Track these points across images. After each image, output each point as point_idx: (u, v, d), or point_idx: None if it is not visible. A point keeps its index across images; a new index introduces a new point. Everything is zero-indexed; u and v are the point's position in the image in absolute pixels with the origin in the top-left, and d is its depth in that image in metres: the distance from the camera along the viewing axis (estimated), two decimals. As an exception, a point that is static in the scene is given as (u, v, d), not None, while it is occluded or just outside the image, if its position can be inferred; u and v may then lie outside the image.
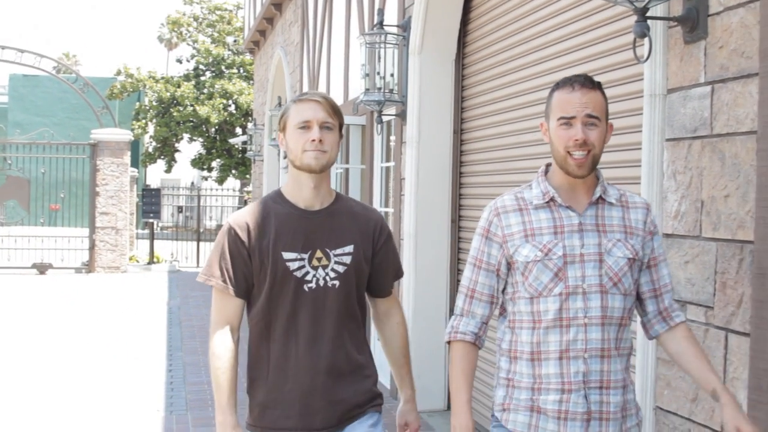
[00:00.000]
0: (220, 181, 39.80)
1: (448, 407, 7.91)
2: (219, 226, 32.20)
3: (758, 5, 3.33)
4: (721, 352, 3.52)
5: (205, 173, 40.94)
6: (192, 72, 39.33)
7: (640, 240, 3.14)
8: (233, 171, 39.15)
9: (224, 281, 3.49)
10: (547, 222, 3.16)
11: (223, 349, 3.50)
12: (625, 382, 3.12)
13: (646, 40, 3.79)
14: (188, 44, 41.78)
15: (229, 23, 40.39)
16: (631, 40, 3.93)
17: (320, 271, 3.49)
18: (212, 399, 3.19)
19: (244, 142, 24.66)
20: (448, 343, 3.28)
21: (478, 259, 3.26)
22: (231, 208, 32.51)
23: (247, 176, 36.83)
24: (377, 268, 3.66)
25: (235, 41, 39.57)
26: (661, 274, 3.19)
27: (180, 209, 34.30)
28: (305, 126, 3.45)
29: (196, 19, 41.30)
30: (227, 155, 38.50)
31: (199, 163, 39.65)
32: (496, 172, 7.15)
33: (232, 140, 32.32)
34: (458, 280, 7.84)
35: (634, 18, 3.67)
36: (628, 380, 3.16)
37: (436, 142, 7.95)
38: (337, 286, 3.49)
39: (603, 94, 3.12)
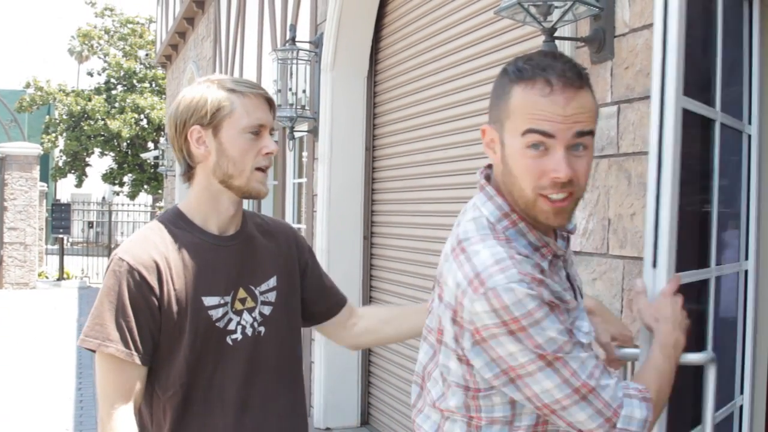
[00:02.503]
0: (132, 196, 39.30)
1: (362, 424, 7.92)
2: (130, 242, 31.82)
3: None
4: (629, 368, 3.56)
5: (117, 188, 40.42)
6: (103, 86, 38.81)
7: None
8: (145, 186, 38.70)
9: (127, 347, 2.49)
10: (561, 284, 2.11)
11: None
12: None
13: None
14: (99, 57, 41.23)
15: (141, 37, 39.96)
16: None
17: (245, 316, 2.63)
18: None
19: (156, 157, 24.46)
20: None
21: (567, 343, 1.96)
22: (143, 224, 32.17)
23: (159, 191, 36.45)
24: (315, 287, 2.89)
25: (147, 55, 39.19)
26: None
27: (91, 224, 33.85)
28: (257, 132, 2.60)
29: (107, 32, 40.77)
30: (139, 170, 38.06)
31: (110, 177, 39.13)
32: (407, 189, 7.17)
33: (144, 155, 32.03)
34: (371, 297, 7.86)
35: (542, 38, 3.71)
36: None
37: (348, 158, 7.96)
38: (263, 333, 2.66)
39: (591, 89, 2.06)
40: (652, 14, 3.46)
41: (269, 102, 2.65)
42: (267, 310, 2.69)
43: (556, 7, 3.60)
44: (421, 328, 2.33)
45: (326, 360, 7.87)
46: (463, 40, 6.13)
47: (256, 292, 2.67)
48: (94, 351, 2.53)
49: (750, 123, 3.06)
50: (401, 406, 7.15)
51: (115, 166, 38.84)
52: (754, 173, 3.05)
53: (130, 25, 40.35)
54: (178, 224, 2.64)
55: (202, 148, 2.61)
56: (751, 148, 3.06)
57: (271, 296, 2.71)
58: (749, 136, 3.06)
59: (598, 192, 3.77)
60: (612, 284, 3.66)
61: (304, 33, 8.78)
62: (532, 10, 3.61)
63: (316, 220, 8.15)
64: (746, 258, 3.06)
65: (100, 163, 40.97)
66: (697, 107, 2.51)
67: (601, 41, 3.76)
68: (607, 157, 3.71)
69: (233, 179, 2.59)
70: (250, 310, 2.65)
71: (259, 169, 2.61)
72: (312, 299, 2.90)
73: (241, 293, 2.64)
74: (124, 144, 37.60)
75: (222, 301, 2.60)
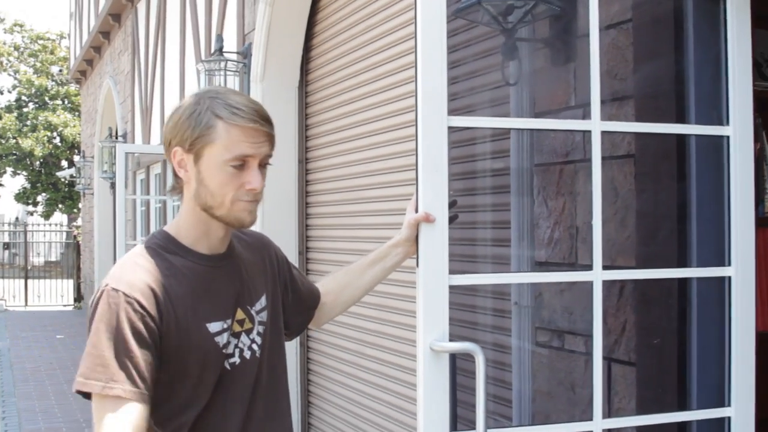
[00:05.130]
0: (47, 215, 38.54)
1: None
2: (48, 263, 31.24)
3: (631, 26, 3.26)
4: (605, 383, 3.41)
5: (31, 208, 39.64)
6: (14, 103, 38.05)
7: None
8: (60, 205, 38.00)
9: (135, 385, 2.25)
10: None
11: None
12: None
13: (514, 62, 3.68)
14: (9, 74, 40.43)
15: (52, 53, 39.27)
16: (492, 64, 3.84)
17: (243, 338, 2.46)
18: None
19: (72, 176, 23.95)
20: None
21: None
22: (59, 244, 31.58)
23: (75, 210, 35.79)
24: (295, 302, 2.81)
25: (60, 71, 38.48)
26: None
27: (6, 246, 33.13)
28: (242, 164, 2.35)
29: (17, 48, 40.02)
30: (53, 189, 37.34)
31: (23, 197, 38.34)
32: (343, 202, 6.99)
33: (59, 173, 31.41)
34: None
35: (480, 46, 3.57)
36: None
37: (281, 172, 7.73)
38: (259, 354, 2.51)
39: None
40: (619, 13, 3.34)
41: (266, 133, 2.38)
42: (261, 329, 2.54)
43: (516, 7, 3.45)
44: (376, 277, 2.94)
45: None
46: (396, 49, 5.98)
47: (252, 312, 2.52)
48: (87, 396, 2.28)
49: (728, 124, 2.94)
50: (341, 423, 6.97)
51: (28, 185, 38.08)
52: (735, 176, 2.93)
53: (40, 41, 39.63)
54: (168, 248, 2.43)
55: (183, 172, 2.42)
56: (730, 150, 2.93)
57: (264, 315, 2.56)
58: (728, 138, 2.94)
59: (564, 199, 3.62)
60: (582, 295, 3.50)
61: (230, 43, 8.57)
62: (492, 10, 3.46)
63: (249, 235, 7.92)
64: (729, 264, 2.93)
65: (12, 182, 40.21)
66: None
67: (563, 42, 3.62)
68: (573, 162, 3.56)
69: (213, 209, 2.39)
70: (248, 332, 2.49)
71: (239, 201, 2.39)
72: (293, 313, 2.82)
73: (239, 314, 2.47)
74: (37, 163, 36.89)
75: (225, 326, 2.42)
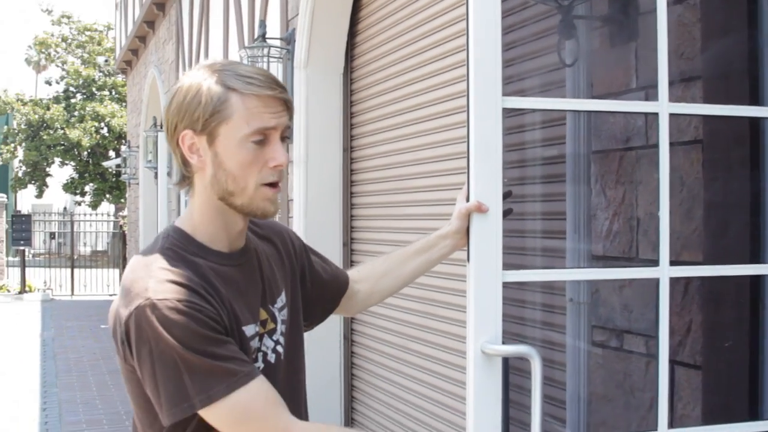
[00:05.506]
0: (94, 205, 38.71)
1: (346, 441, 7.52)
2: (95, 253, 31.36)
3: (699, 1, 3.02)
4: (668, 387, 3.18)
5: (78, 198, 39.85)
6: (62, 94, 38.24)
7: None
8: (107, 195, 38.18)
9: (246, 364, 2.06)
10: None
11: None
12: None
13: (570, 42, 3.44)
14: (57, 66, 40.65)
15: (99, 44, 39.41)
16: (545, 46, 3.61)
17: (266, 340, 2.22)
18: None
19: (119, 166, 23.98)
20: None
21: None
22: (106, 234, 31.68)
23: (122, 200, 35.92)
24: (315, 291, 2.55)
25: (106, 62, 38.58)
26: None
27: (53, 235, 33.31)
28: (263, 139, 2.12)
29: (65, 40, 40.21)
30: (101, 179, 37.51)
31: (71, 187, 38.56)
32: (390, 191, 6.79)
33: (105, 163, 31.53)
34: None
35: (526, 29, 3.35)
36: None
37: (326, 161, 7.57)
38: (282, 357, 2.28)
39: None
40: (685, -13, 3.10)
41: (286, 101, 2.14)
42: (283, 328, 2.31)
43: (574, -17, 3.22)
44: (419, 269, 2.71)
45: (307, 374, 7.47)
46: (444, 33, 5.77)
47: (274, 311, 2.28)
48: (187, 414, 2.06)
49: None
50: (386, 420, 6.78)
51: (76, 175, 38.29)
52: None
53: (87, 33, 39.82)
54: (189, 249, 2.16)
55: (195, 158, 2.15)
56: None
57: (285, 314, 2.33)
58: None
59: (623, 189, 3.38)
60: (643, 292, 3.27)
61: (274, 29, 8.39)
62: (548, -14, 3.23)
63: (292, 226, 7.75)
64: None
65: (60, 172, 40.43)
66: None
67: (624, 20, 3.37)
68: (634, 149, 3.32)
69: (234, 197, 2.14)
70: (271, 333, 2.25)
71: (267, 184, 2.15)
72: (312, 302, 2.58)
73: (262, 314, 2.24)
74: (85, 153, 37.06)
75: (257, 329, 2.19)
